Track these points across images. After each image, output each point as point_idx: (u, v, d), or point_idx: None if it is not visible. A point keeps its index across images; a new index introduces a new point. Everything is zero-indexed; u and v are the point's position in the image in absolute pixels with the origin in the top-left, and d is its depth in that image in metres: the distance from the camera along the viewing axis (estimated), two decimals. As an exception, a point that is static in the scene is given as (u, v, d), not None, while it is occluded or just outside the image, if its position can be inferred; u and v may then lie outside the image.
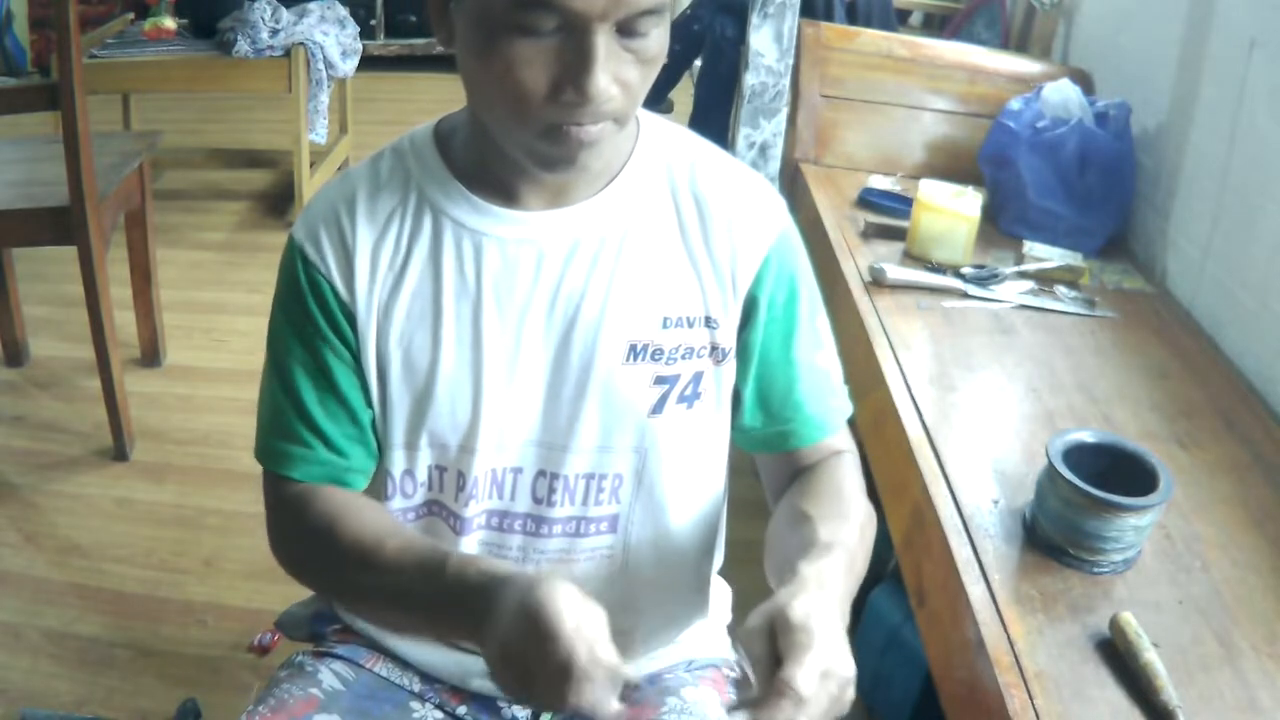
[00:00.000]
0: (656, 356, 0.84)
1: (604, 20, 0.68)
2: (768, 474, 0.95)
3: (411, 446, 0.86)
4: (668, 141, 0.87)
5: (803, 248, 0.90)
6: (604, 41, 0.69)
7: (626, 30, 0.70)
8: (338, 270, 0.83)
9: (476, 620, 0.71)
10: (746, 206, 0.86)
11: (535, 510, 0.88)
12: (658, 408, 0.85)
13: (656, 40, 0.73)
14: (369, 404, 0.85)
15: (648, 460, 0.87)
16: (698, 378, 0.86)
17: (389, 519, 0.86)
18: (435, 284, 0.83)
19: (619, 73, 0.72)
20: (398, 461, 0.87)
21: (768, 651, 0.66)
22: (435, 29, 0.76)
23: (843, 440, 0.93)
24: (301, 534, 0.85)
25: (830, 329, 0.93)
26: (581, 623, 0.66)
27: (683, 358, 0.85)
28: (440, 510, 0.89)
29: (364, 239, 0.83)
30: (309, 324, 0.83)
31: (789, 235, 0.88)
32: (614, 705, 0.66)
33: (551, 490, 0.87)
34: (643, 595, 0.93)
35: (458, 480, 0.86)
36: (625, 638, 0.94)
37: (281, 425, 0.85)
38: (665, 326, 0.84)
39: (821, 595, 0.69)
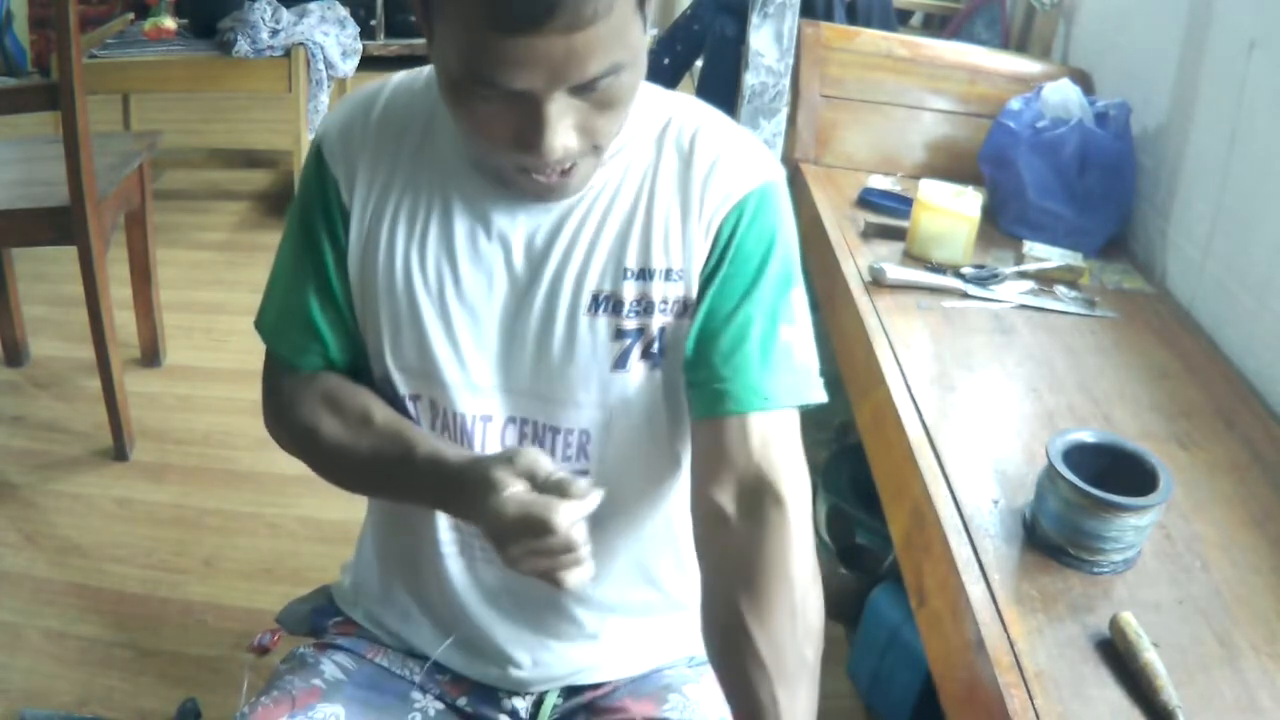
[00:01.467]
0: (618, 309, 0.84)
1: (550, 91, 0.69)
2: (695, 451, 0.86)
3: (386, 366, 0.88)
4: (662, 102, 0.87)
5: (789, 212, 0.88)
6: (556, 107, 0.70)
7: (582, 89, 0.70)
8: (344, 170, 0.86)
9: (462, 510, 0.81)
10: (731, 155, 0.85)
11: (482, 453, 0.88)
12: (621, 363, 0.85)
13: (622, 86, 0.72)
14: (351, 306, 0.89)
15: (615, 416, 0.87)
16: (661, 333, 0.85)
17: (366, 406, 0.88)
18: (425, 212, 0.85)
19: (580, 122, 0.72)
20: (383, 382, 0.89)
21: None
22: (420, 24, 0.77)
23: (790, 469, 0.83)
24: (293, 421, 0.91)
25: (809, 310, 0.89)
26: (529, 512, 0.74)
27: (644, 311, 0.84)
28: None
29: (373, 147, 0.86)
30: (314, 217, 0.88)
31: (773, 189, 0.86)
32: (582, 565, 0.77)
33: (521, 440, 0.88)
34: (618, 557, 0.93)
35: (431, 410, 0.88)
36: (600, 601, 0.94)
37: (283, 309, 0.90)
38: (626, 278, 0.84)
39: None
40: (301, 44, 3.04)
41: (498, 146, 0.74)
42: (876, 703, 1.57)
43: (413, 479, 0.83)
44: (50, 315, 2.66)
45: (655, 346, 0.85)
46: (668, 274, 0.84)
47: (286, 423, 0.92)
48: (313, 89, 3.10)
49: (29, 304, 2.53)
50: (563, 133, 0.71)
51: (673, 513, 0.95)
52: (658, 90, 0.87)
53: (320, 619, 1.03)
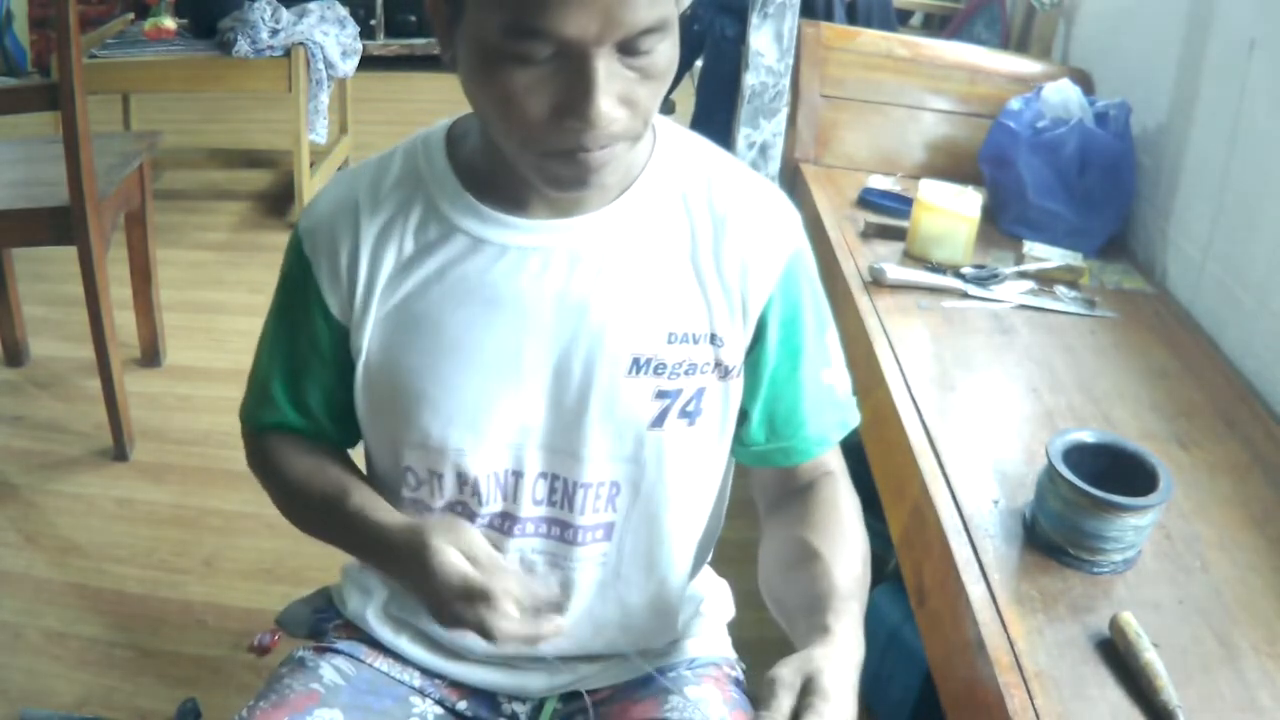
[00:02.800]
0: (659, 370, 0.84)
1: (600, 44, 0.67)
2: (761, 483, 0.96)
3: (411, 445, 0.86)
4: (685, 153, 0.87)
5: (814, 265, 0.90)
6: (604, 64, 0.68)
7: (628, 49, 0.69)
8: (327, 271, 0.84)
9: (395, 569, 0.83)
10: (762, 227, 0.86)
11: (534, 513, 0.88)
12: (658, 421, 0.85)
13: (664, 55, 0.71)
14: (348, 397, 0.89)
15: (645, 471, 0.87)
16: (700, 394, 0.86)
17: (326, 453, 0.93)
18: (438, 288, 0.83)
19: (624, 92, 0.70)
20: (401, 459, 0.87)
21: (792, 705, 0.70)
22: (441, 51, 0.76)
23: (834, 458, 0.94)
24: (263, 469, 0.96)
25: (839, 342, 0.93)
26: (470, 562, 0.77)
27: (686, 373, 0.85)
28: (459, 509, 0.89)
29: (366, 240, 0.83)
30: (297, 314, 0.87)
31: (802, 256, 0.88)
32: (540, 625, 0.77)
33: (551, 495, 0.87)
34: (631, 601, 0.93)
35: (457, 480, 0.87)
36: (613, 644, 0.94)
37: (260, 395, 0.94)
38: (670, 341, 0.84)
39: (850, 663, 0.75)
40: (301, 44, 3.03)
41: (537, 121, 0.70)
42: (876, 703, 1.57)
43: (348, 533, 0.87)
44: (50, 315, 2.66)
45: (693, 405, 0.86)
46: (712, 338, 0.85)
47: (259, 463, 0.96)
48: (313, 89, 3.10)
49: (29, 304, 2.53)
50: (610, 98, 0.69)
51: (689, 555, 0.96)
52: (669, 130, 0.87)
53: (320, 621, 1.03)
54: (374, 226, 0.84)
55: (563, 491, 0.87)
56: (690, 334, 0.84)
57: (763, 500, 0.96)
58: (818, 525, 0.86)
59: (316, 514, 0.91)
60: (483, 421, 0.84)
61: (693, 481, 0.91)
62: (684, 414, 0.86)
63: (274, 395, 0.92)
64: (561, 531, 0.89)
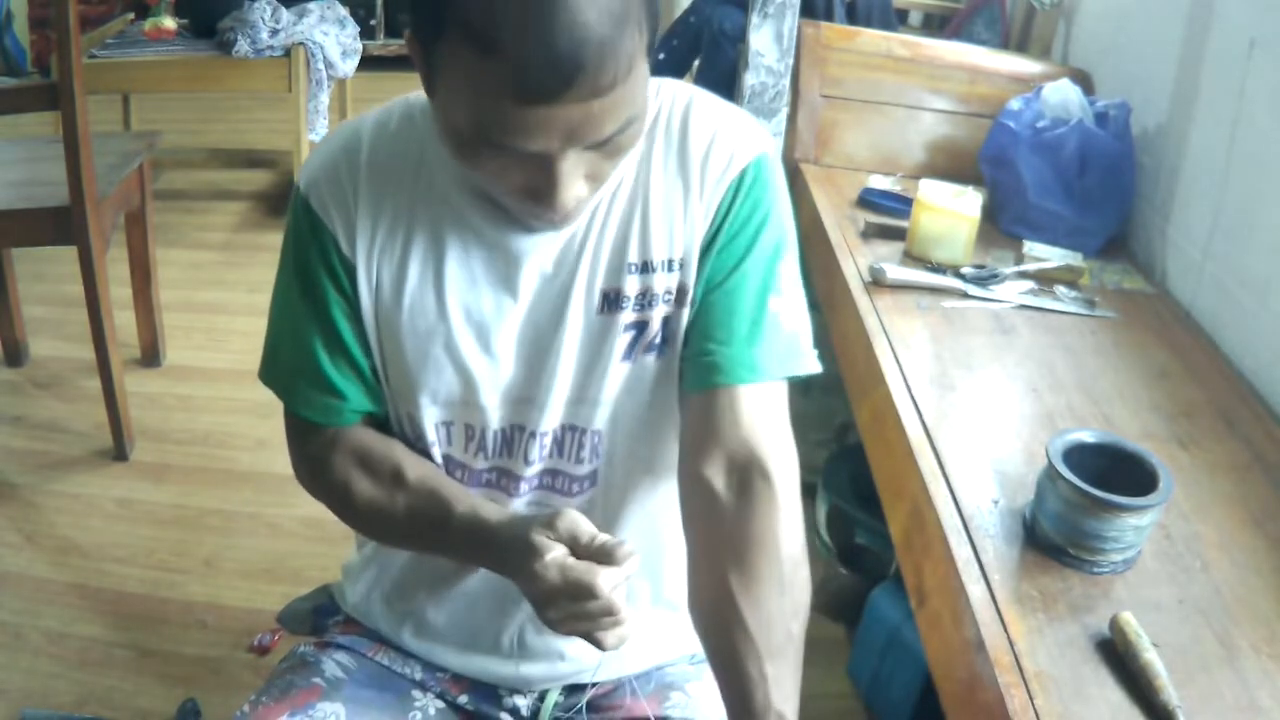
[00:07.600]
0: (624, 304, 0.84)
1: (565, 151, 0.69)
2: (685, 425, 0.87)
3: (414, 403, 0.87)
4: (655, 92, 0.86)
5: (783, 182, 0.88)
6: (569, 164, 0.70)
7: (595, 145, 0.70)
8: (340, 221, 0.84)
9: (502, 570, 0.81)
10: (725, 131, 0.85)
11: (524, 467, 0.89)
12: (628, 354, 0.86)
13: (631, 135, 0.72)
14: (367, 353, 0.87)
15: (622, 409, 0.87)
16: (665, 322, 0.86)
17: (398, 462, 0.88)
18: (437, 245, 0.84)
19: (591, 171, 0.72)
20: (405, 418, 0.88)
21: None
22: (417, 67, 0.74)
23: (778, 452, 0.83)
24: (327, 482, 0.90)
25: (801, 282, 0.88)
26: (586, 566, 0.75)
27: (649, 304, 0.85)
28: (453, 465, 0.90)
29: (366, 193, 0.84)
30: (312, 270, 0.85)
31: (767, 160, 0.86)
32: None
33: (528, 446, 0.88)
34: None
35: (465, 435, 0.88)
36: None
37: (295, 367, 0.88)
38: (631, 272, 0.84)
39: None
40: (301, 44, 3.04)
41: (505, 193, 0.74)
42: (876, 703, 1.57)
43: (450, 539, 0.84)
44: (50, 315, 2.66)
45: (658, 337, 0.86)
46: (668, 264, 0.84)
47: (322, 484, 0.91)
48: (313, 89, 3.11)
49: (29, 304, 2.53)
50: (574, 186, 0.71)
51: (674, 494, 0.95)
52: None
53: (321, 618, 1.04)
54: (374, 181, 0.84)
55: (555, 443, 0.88)
56: (649, 263, 0.84)
57: (685, 452, 0.85)
58: (748, 570, 0.78)
59: (406, 528, 0.87)
60: (481, 384, 0.85)
61: (667, 414, 0.90)
62: (652, 347, 0.86)
63: (320, 365, 0.86)
64: (552, 481, 0.90)
